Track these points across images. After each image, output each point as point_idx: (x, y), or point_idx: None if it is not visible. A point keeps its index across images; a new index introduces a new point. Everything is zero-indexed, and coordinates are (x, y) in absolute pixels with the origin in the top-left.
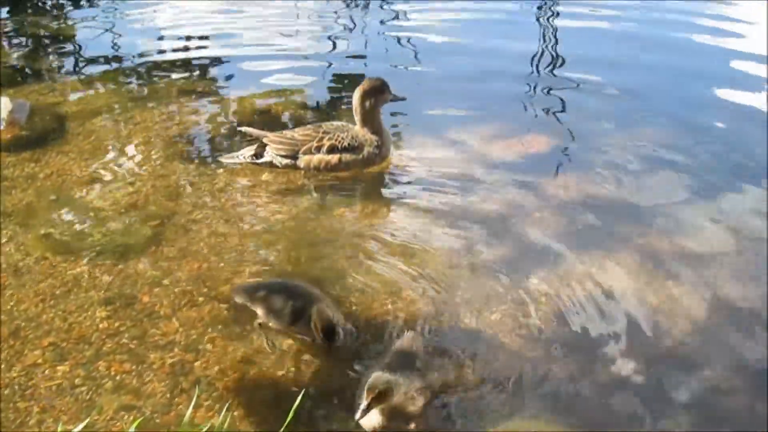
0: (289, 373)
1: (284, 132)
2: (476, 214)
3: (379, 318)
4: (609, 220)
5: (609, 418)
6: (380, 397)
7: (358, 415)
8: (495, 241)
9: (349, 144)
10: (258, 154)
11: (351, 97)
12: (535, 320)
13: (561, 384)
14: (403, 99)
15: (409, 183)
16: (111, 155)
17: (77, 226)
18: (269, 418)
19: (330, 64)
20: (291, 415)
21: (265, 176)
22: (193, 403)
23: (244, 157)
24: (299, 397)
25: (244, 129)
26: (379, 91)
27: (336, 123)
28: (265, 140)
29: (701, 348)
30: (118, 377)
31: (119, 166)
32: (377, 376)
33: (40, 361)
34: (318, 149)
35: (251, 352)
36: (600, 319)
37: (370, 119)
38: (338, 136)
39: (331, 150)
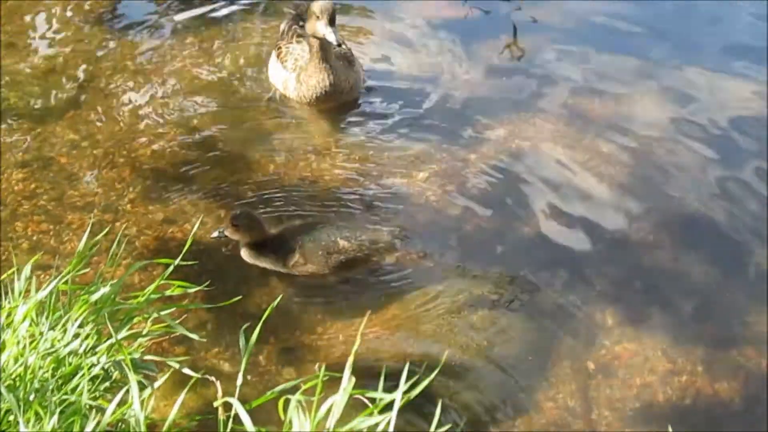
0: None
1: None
2: (405, 73)
3: (306, 179)
4: (540, 82)
5: (531, 267)
6: None
7: None
8: (422, 101)
9: None
10: None
11: None
12: (463, 178)
13: (488, 238)
14: None
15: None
16: (28, 19)
17: None
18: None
19: None
20: (187, 244)
21: (190, 39)
22: (108, 258)
23: None
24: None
25: None
26: None
27: None
28: None
29: (624, 197)
30: (34, 237)
31: (37, 30)
32: None
33: None
34: None
35: (171, 212)
36: (528, 176)
37: None
38: None
39: None
